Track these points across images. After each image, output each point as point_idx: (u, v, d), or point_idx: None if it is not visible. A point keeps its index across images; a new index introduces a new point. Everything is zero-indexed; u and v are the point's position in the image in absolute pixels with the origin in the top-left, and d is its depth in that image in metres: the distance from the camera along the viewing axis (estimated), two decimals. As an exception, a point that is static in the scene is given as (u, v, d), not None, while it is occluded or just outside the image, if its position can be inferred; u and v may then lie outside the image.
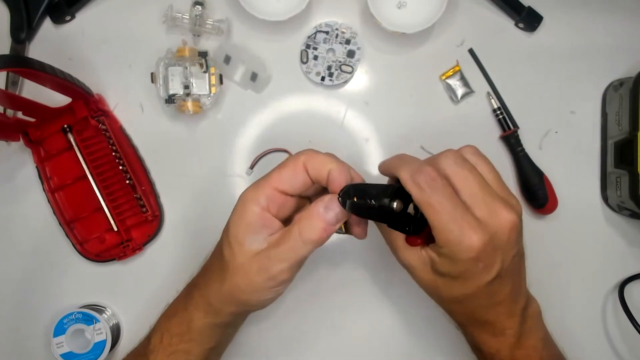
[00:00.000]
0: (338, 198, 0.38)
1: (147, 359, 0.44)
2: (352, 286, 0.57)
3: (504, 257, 0.38)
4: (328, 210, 0.38)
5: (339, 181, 0.39)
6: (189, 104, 0.55)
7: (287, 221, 0.41)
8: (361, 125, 0.58)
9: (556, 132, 0.57)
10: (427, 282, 0.41)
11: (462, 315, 0.43)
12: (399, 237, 0.42)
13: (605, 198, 0.57)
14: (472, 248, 0.36)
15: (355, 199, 0.38)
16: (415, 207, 0.39)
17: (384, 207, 0.38)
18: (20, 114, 0.54)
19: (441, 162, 0.38)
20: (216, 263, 0.42)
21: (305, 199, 0.43)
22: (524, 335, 0.42)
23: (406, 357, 0.56)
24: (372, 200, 0.38)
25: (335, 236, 0.45)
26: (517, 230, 0.38)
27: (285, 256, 0.39)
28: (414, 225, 0.39)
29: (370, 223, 0.43)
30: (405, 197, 0.38)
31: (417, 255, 0.41)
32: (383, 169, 0.42)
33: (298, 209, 0.43)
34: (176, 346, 0.43)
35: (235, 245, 0.39)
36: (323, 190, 0.41)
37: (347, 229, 0.43)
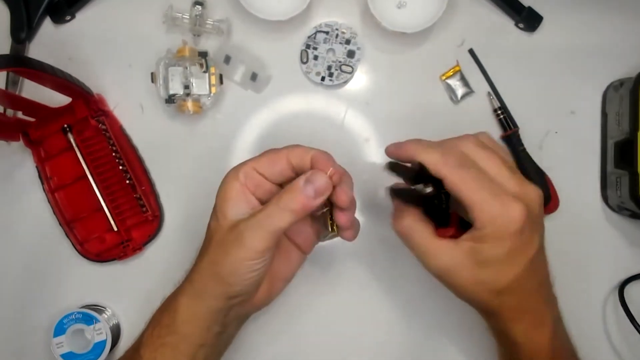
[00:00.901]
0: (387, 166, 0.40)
1: (138, 353, 0.43)
2: (350, 285, 0.57)
3: (540, 231, 0.39)
4: (308, 183, 0.39)
5: (323, 161, 0.40)
6: (189, 104, 0.55)
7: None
8: (361, 125, 0.58)
9: (556, 132, 0.57)
10: (471, 280, 0.40)
11: (509, 308, 0.41)
12: (430, 240, 0.40)
13: (605, 198, 0.57)
14: (517, 219, 0.37)
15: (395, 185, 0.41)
16: (439, 199, 0.39)
17: (418, 191, 0.39)
18: (20, 114, 0.54)
19: (462, 146, 0.39)
20: (204, 242, 0.43)
21: None
22: (558, 322, 0.43)
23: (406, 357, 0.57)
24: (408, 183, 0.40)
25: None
26: (541, 206, 0.40)
27: (260, 223, 0.39)
28: (442, 216, 0.40)
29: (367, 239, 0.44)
30: (434, 181, 0.39)
31: (453, 255, 0.40)
32: (398, 153, 0.41)
33: None
34: (163, 338, 0.42)
35: (220, 217, 0.41)
36: None
37: (338, 231, 0.43)
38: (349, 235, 0.44)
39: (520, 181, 0.39)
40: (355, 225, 0.44)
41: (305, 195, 0.39)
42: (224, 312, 0.43)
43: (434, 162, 0.38)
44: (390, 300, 0.57)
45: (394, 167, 0.42)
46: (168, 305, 0.44)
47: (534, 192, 0.39)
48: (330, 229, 0.43)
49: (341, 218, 0.42)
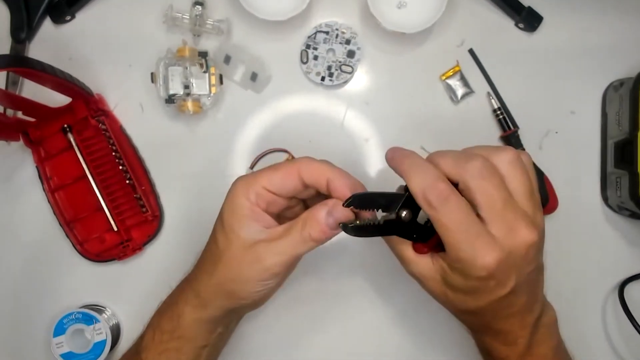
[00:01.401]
0: (339, 224, 0.39)
1: (139, 357, 0.43)
2: (350, 289, 0.57)
3: (519, 274, 0.37)
4: (330, 215, 0.39)
5: (342, 190, 0.39)
6: (189, 104, 0.55)
7: (278, 217, 0.42)
8: (361, 125, 0.58)
9: (556, 132, 0.57)
10: (439, 293, 0.40)
11: (475, 324, 0.43)
12: (408, 249, 0.41)
13: (605, 198, 0.57)
14: (484, 267, 0.35)
15: (357, 223, 0.39)
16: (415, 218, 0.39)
17: (391, 220, 0.38)
18: (20, 114, 0.54)
19: (466, 172, 0.36)
20: (208, 254, 0.42)
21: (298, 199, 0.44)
22: (536, 344, 0.41)
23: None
24: (381, 210, 0.38)
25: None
26: (536, 247, 0.37)
27: (283, 249, 0.39)
28: (421, 233, 0.39)
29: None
30: (414, 205, 0.37)
31: (428, 267, 0.40)
32: (393, 164, 0.40)
33: (290, 207, 0.43)
34: (167, 344, 0.43)
35: (231, 235, 0.40)
36: (318, 194, 0.42)
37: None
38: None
39: (513, 222, 0.36)
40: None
41: (327, 226, 0.39)
42: (228, 317, 0.44)
43: (415, 194, 0.36)
44: (390, 301, 0.57)
45: (358, 230, 0.39)
46: (169, 311, 0.44)
47: (523, 236, 0.36)
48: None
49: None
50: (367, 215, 0.40)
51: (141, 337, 0.45)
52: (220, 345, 0.47)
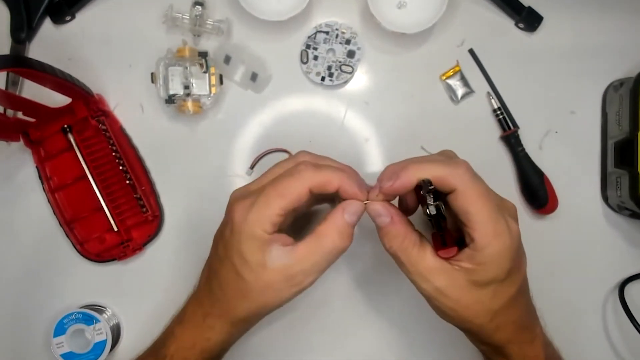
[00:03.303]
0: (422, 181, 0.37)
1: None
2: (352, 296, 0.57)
3: (522, 260, 0.41)
4: (351, 215, 0.40)
5: (352, 193, 0.40)
6: (189, 104, 0.55)
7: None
8: (361, 125, 0.58)
9: (556, 132, 0.57)
10: (468, 301, 0.38)
11: (507, 326, 0.40)
12: (423, 263, 0.39)
13: (605, 198, 0.57)
14: (517, 238, 0.38)
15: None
16: (437, 220, 0.38)
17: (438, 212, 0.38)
18: (20, 114, 0.54)
19: (458, 176, 0.38)
20: (232, 284, 0.41)
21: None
22: (544, 335, 0.44)
23: None
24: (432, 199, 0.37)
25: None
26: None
27: (315, 269, 0.40)
28: (445, 235, 0.38)
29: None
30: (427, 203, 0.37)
31: (449, 277, 0.38)
32: (396, 185, 0.38)
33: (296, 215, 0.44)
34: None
35: (257, 268, 0.39)
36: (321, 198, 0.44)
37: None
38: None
39: (506, 217, 0.38)
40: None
41: (351, 225, 0.40)
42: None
43: (445, 174, 0.36)
44: (387, 315, 0.57)
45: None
46: (195, 330, 0.44)
47: (516, 228, 0.39)
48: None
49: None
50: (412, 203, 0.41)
51: (162, 343, 0.45)
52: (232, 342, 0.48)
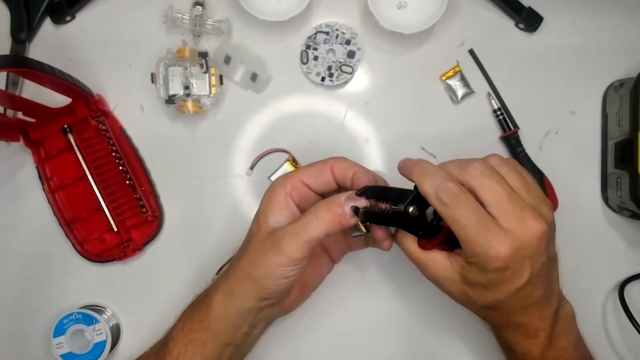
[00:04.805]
0: (351, 208, 0.40)
1: (167, 347, 0.44)
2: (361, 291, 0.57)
3: (533, 264, 0.39)
4: (348, 200, 0.41)
5: (362, 181, 0.42)
6: (189, 105, 0.55)
7: None
8: (361, 125, 0.58)
9: (556, 133, 0.57)
10: (459, 292, 0.42)
11: (496, 319, 0.43)
12: (413, 243, 0.42)
13: (605, 198, 0.57)
14: (498, 258, 0.37)
15: (368, 204, 0.40)
16: (434, 213, 0.40)
17: (399, 212, 0.39)
18: (20, 114, 0.54)
19: (468, 174, 0.39)
20: (243, 243, 0.45)
21: None
22: (556, 337, 0.42)
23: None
24: (389, 204, 0.40)
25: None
26: (547, 238, 0.39)
27: (297, 232, 0.41)
28: (427, 230, 0.41)
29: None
30: (422, 203, 0.39)
31: (446, 269, 0.41)
32: (404, 172, 0.42)
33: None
34: (195, 334, 0.44)
35: (262, 221, 0.43)
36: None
37: (367, 228, 0.44)
38: (386, 245, 0.45)
39: (521, 214, 0.38)
40: (391, 236, 0.45)
41: (344, 210, 0.40)
42: (254, 313, 0.44)
43: (427, 194, 0.39)
44: (403, 307, 0.57)
45: (366, 215, 0.41)
46: (201, 301, 0.45)
47: (533, 227, 0.38)
48: (363, 229, 0.44)
49: (378, 233, 0.44)
50: (383, 206, 0.41)
51: (171, 329, 0.46)
52: (244, 349, 0.47)
